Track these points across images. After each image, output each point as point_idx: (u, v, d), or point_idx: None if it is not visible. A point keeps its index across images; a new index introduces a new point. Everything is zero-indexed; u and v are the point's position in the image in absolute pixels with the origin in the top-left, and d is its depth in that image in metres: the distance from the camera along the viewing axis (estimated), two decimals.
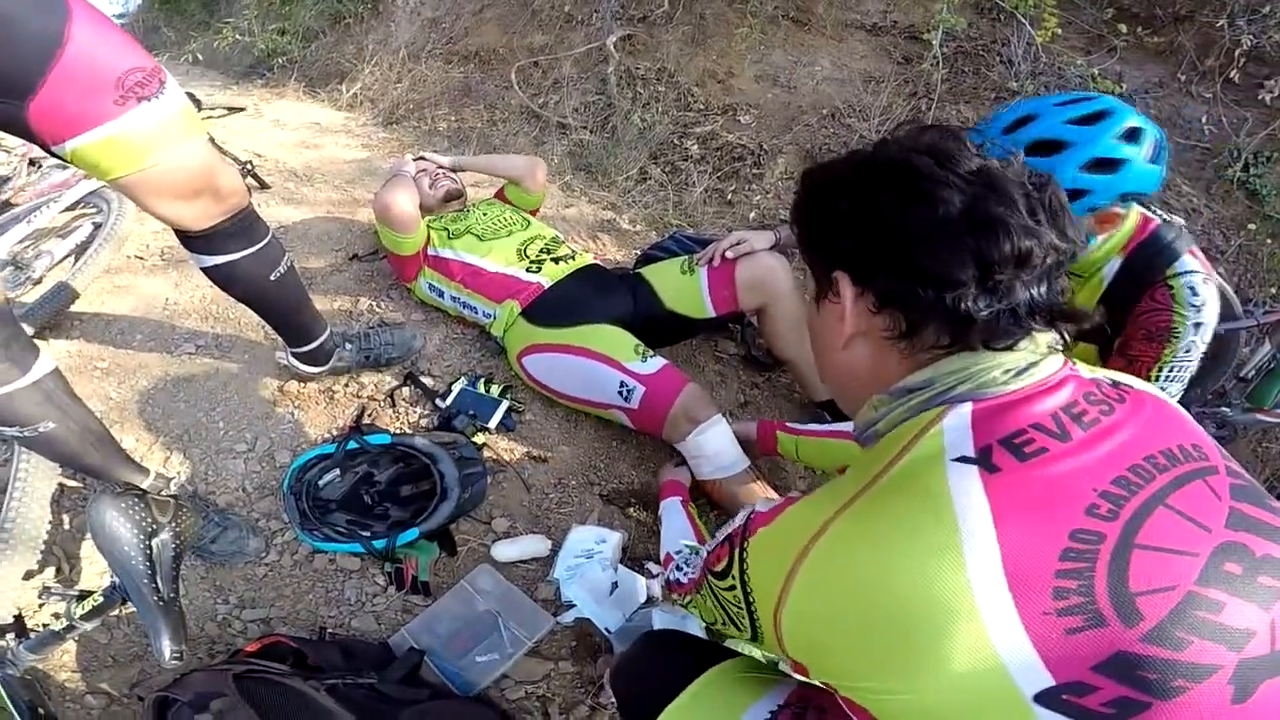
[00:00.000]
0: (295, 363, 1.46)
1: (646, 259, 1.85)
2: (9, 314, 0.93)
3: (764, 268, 1.50)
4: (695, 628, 1.04)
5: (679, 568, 0.74)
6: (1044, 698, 0.42)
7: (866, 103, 2.82)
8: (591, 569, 1.14)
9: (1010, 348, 0.52)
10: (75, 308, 1.74)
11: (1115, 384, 0.55)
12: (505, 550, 1.24)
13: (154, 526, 0.97)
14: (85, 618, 0.98)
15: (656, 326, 1.55)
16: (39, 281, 1.82)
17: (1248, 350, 1.65)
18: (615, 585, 1.13)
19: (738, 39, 3.16)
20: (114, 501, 0.94)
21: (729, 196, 2.58)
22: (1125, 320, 1.14)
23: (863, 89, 2.89)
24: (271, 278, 1.18)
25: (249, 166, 2.53)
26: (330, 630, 1.12)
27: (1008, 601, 0.42)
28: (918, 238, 0.52)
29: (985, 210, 0.51)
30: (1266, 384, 1.62)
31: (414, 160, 1.91)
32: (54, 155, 0.88)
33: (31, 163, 2.23)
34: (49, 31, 0.79)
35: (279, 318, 1.34)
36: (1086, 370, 0.56)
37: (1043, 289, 0.52)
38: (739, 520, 0.60)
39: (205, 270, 1.13)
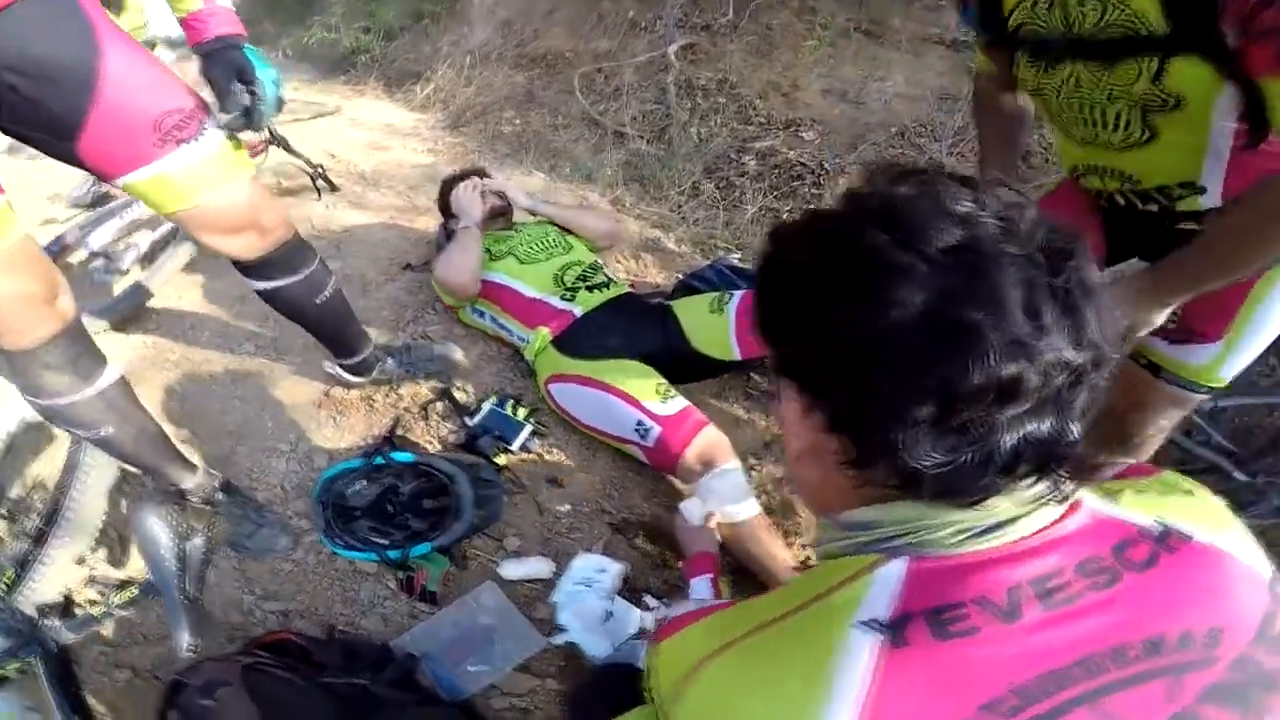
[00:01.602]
0: (340, 372, 1.55)
1: (685, 287, 1.84)
2: (80, 329, 1.00)
3: None
4: None
5: None
6: None
7: (940, 122, 2.68)
8: (588, 597, 1.16)
9: (974, 504, 0.41)
10: (154, 302, 1.88)
11: (1164, 537, 0.43)
12: (511, 569, 1.28)
13: (189, 532, 1.04)
14: (122, 606, 1.07)
15: (683, 364, 1.55)
16: (125, 273, 1.99)
17: None
18: (609, 615, 1.14)
19: (805, 51, 3.08)
20: (155, 509, 1.01)
21: (784, 217, 2.51)
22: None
23: (937, 107, 2.76)
24: (316, 301, 1.26)
25: (320, 169, 2.65)
26: (339, 628, 1.18)
27: None
28: (870, 350, 0.39)
29: (954, 315, 0.37)
30: None
31: (473, 179, 1.90)
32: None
33: None
34: (84, 72, 0.84)
35: (324, 335, 1.42)
36: (1127, 516, 0.43)
37: (1042, 425, 0.39)
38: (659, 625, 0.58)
39: (255, 291, 1.20)
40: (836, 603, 0.42)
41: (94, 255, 2.00)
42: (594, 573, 1.21)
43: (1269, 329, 0.96)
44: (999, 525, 0.41)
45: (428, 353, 1.65)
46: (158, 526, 1.03)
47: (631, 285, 1.94)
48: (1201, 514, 0.46)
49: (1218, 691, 0.39)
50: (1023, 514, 0.42)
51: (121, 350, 1.72)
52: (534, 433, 1.52)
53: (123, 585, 1.10)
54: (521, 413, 1.55)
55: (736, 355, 1.52)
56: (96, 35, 0.86)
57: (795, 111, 2.91)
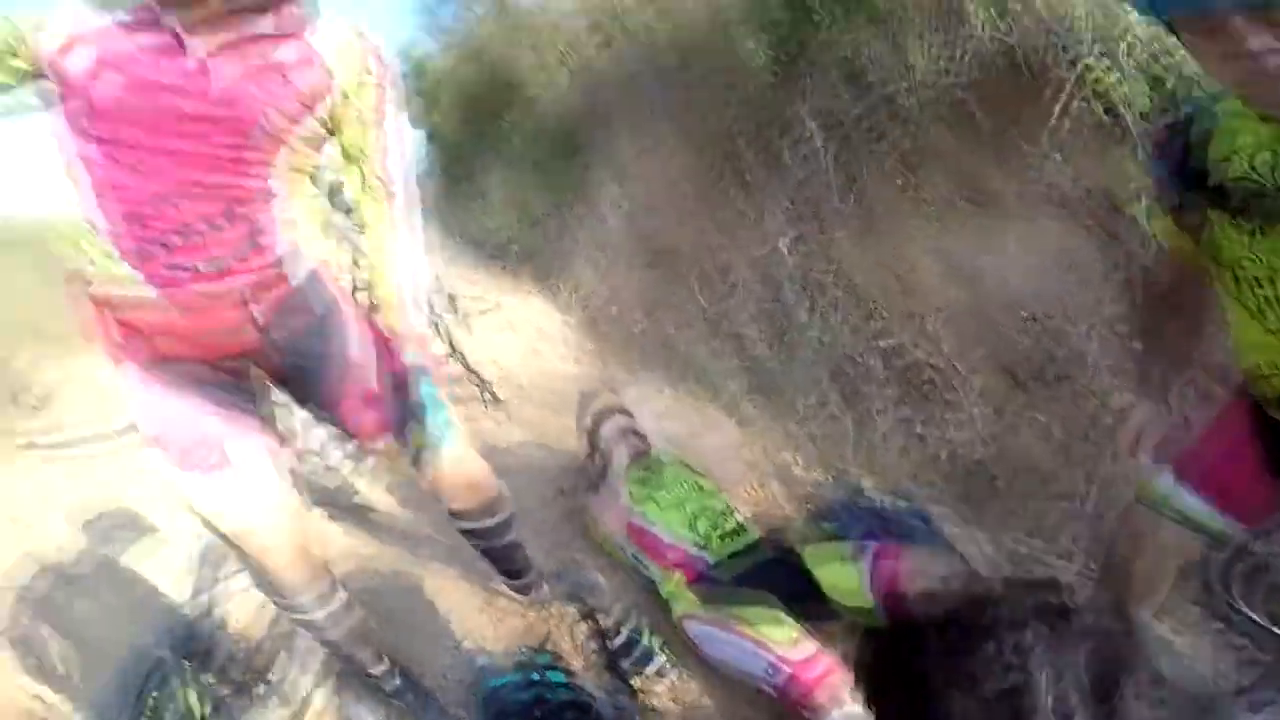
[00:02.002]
0: (505, 589, 1.86)
1: (814, 526, 1.93)
2: (326, 568, 1.36)
3: (935, 571, 1.49)
4: None
5: None
6: None
7: (1069, 297, 2.58)
8: None
9: None
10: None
11: None
12: None
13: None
14: None
15: (817, 607, 1.62)
16: (336, 470, 2.46)
17: None
18: None
19: (914, 229, 3.14)
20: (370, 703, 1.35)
21: (918, 428, 2.51)
22: None
23: (1061, 278, 2.66)
24: (503, 542, 1.63)
25: (488, 386, 3.14)
26: None
27: None
28: None
29: None
30: None
31: (615, 417, 2.25)
32: None
33: None
34: (339, 362, 1.25)
35: (498, 563, 1.74)
36: None
37: None
38: None
39: (457, 528, 1.58)
40: None
41: (309, 452, 2.47)
42: None
43: None
44: None
45: (576, 577, 1.92)
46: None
47: (758, 525, 2.03)
48: None
49: None
50: None
51: (329, 537, 2.15)
52: (667, 661, 1.69)
53: None
54: (657, 642, 1.72)
55: (870, 604, 1.55)
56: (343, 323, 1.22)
57: (914, 301, 2.94)
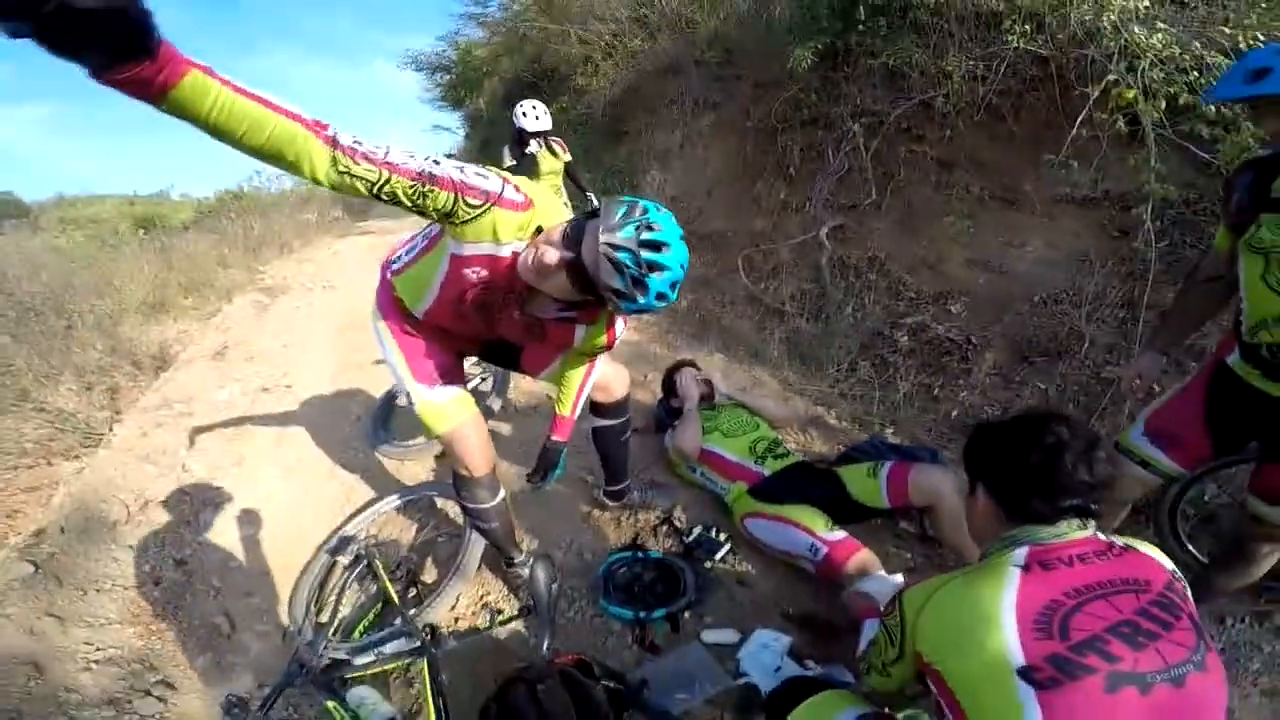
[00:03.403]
0: (604, 497, 2.35)
1: (846, 457, 2.34)
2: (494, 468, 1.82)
3: (934, 479, 1.94)
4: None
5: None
6: (1020, 671, 0.94)
7: (1079, 286, 2.92)
8: (765, 655, 1.72)
9: (1050, 524, 1.06)
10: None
11: (1124, 547, 1.04)
12: (710, 635, 1.86)
13: (555, 577, 1.78)
14: (503, 624, 1.85)
15: (845, 510, 2.04)
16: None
17: None
18: (779, 669, 1.66)
19: (946, 224, 3.48)
20: (546, 564, 1.74)
21: (935, 392, 2.87)
22: None
23: (1076, 270, 2.99)
24: (621, 439, 2.14)
25: None
26: (599, 658, 1.77)
27: (1013, 621, 0.97)
28: (1023, 474, 1.08)
29: (1053, 466, 1.05)
30: None
31: (688, 369, 2.67)
32: None
33: None
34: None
35: (610, 463, 2.23)
36: (1110, 540, 1.06)
37: (1076, 502, 1.05)
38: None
39: (592, 428, 2.11)
40: (1000, 561, 1.06)
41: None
42: (771, 641, 1.77)
43: None
44: (1060, 535, 1.04)
45: (657, 492, 2.43)
46: (545, 573, 1.77)
47: (802, 455, 2.47)
48: (1150, 548, 1.08)
49: (1154, 603, 0.98)
50: (1070, 532, 1.04)
51: None
52: (730, 550, 2.12)
53: (497, 613, 1.91)
54: (723, 536, 2.16)
55: (886, 505, 2.00)
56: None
57: (942, 285, 3.31)
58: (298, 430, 3.05)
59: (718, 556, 2.11)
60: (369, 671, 1.80)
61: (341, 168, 1.07)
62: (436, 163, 1.19)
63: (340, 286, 5.39)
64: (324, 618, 2.00)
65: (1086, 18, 3.17)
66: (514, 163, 3.86)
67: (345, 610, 2.07)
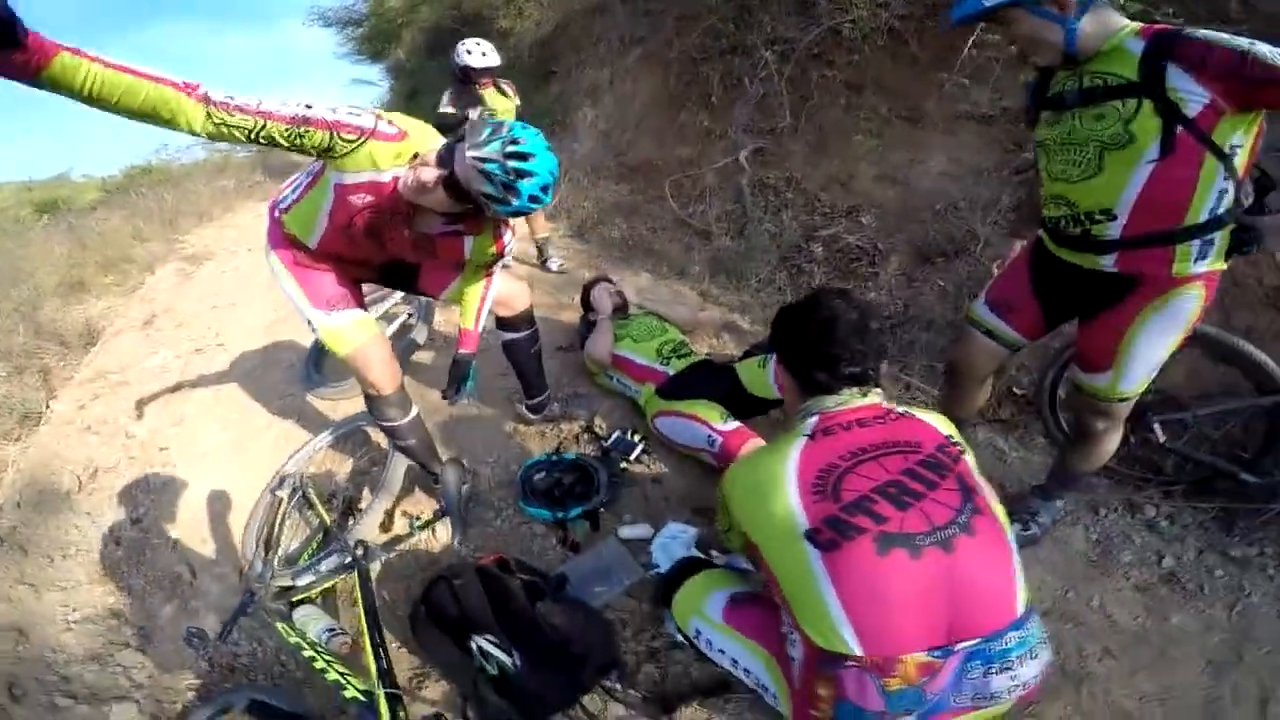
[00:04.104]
0: (525, 411, 2.45)
1: (746, 354, 2.50)
2: (404, 386, 1.90)
3: None
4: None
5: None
6: (806, 534, 1.03)
7: (976, 194, 3.12)
8: (674, 546, 1.86)
9: (834, 393, 1.18)
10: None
11: (902, 412, 1.17)
12: (626, 531, 2.01)
13: (466, 479, 1.95)
14: (421, 528, 1.99)
15: (742, 403, 2.19)
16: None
17: None
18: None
19: (856, 143, 3.62)
20: (455, 467, 1.90)
21: None
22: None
23: (975, 181, 3.18)
24: (531, 351, 2.23)
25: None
26: (522, 559, 1.91)
27: (795, 486, 1.07)
28: (806, 346, 1.20)
29: (830, 336, 1.17)
30: None
31: (603, 284, 2.78)
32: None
33: None
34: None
35: (525, 377, 2.33)
36: (890, 406, 1.19)
37: (856, 370, 1.17)
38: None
39: (502, 342, 2.21)
40: (794, 431, 1.19)
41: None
42: (679, 532, 1.91)
43: (1143, 359, 1.44)
44: (843, 403, 1.17)
45: (576, 402, 2.57)
46: (454, 474, 1.94)
47: (709, 356, 2.62)
48: (928, 414, 1.20)
49: (923, 463, 1.10)
50: (852, 399, 1.18)
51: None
52: (644, 450, 2.26)
53: (417, 518, 2.03)
54: (637, 438, 2.29)
55: (776, 394, 2.15)
56: None
57: (854, 199, 3.47)
58: (234, 385, 3.05)
59: (632, 456, 2.24)
60: (313, 591, 1.90)
61: (216, 120, 1.20)
62: (309, 107, 1.32)
63: None
64: (273, 551, 2.09)
65: None
66: (453, 110, 3.50)
67: (293, 543, 2.17)
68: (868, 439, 1.12)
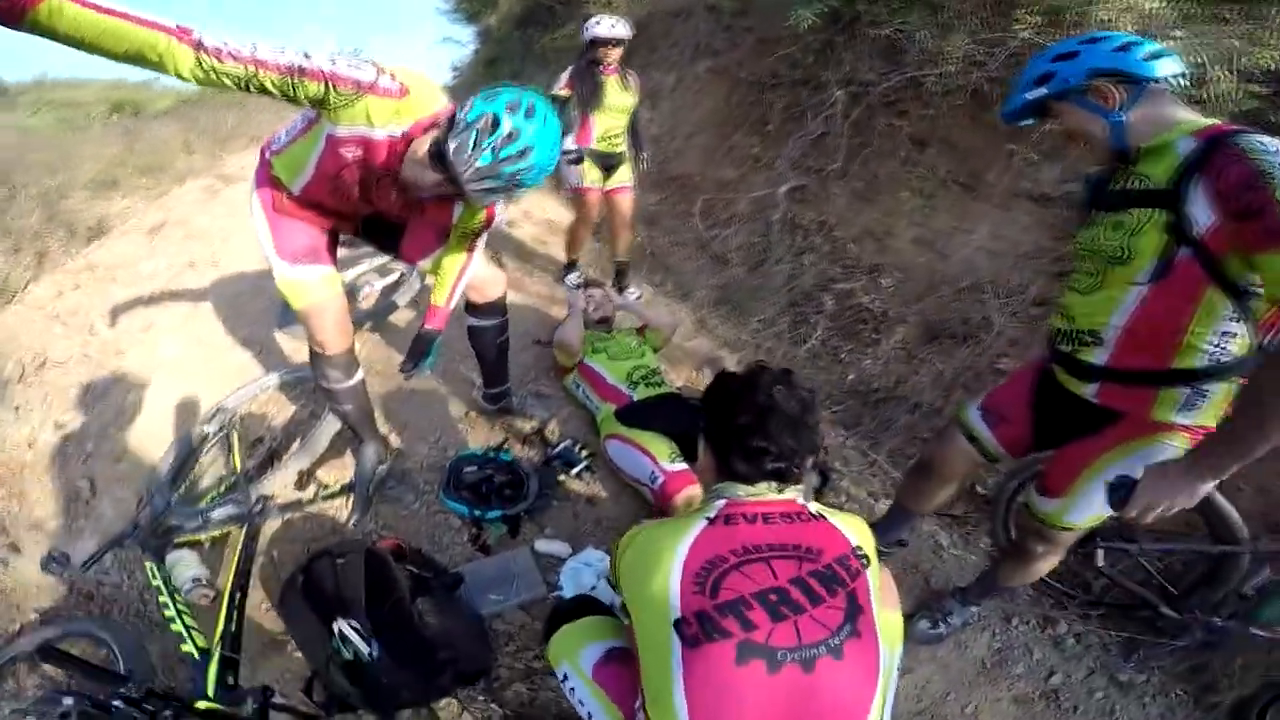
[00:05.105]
0: (482, 400, 2.38)
1: None
2: (352, 348, 1.84)
3: None
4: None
5: None
6: (675, 623, 0.95)
7: (1006, 278, 2.89)
8: (585, 573, 1.76)
9: (750, 484, 1.07)
10: (372, 328, 2.82)
11: (816, 514, 1.06)
12: (542, 545, 1.92)
13: (384, 460, 1.88)
14: (325, 499, 1.94)
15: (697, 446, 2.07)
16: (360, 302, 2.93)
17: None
18: (593, 589, 1.71)
19: (902, 200, 3.42)
20: (375, 445, 1.83)
21: (841, 356, 2.87)
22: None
23: (1011, 264, 2.96)
24: (497, 341, 2.14)
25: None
26: (425, 550, 1.84)
27: (679, 572, 0.98)
28: (731, 433, 1.08)
29: (761, 429, 1.05)
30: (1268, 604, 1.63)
31: (586, 290, 2.65)
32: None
33: None
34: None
35: (487, 366, 2.25)
36: (809, 506, 1.08)
37: (779, 467, 1.06)
38: None
39: (468, 326, 2.11)
40: (699, 511, 1.08)
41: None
42: (594, 560, 1.81)
43: (1098, 497, 1.26)
44: (757, 495, 1.05)
45: (535, 403, 2.48)
46: (373, 452, 1.86)
47: (679, 390, 2.48)
48: (844, 519, 1.09)
49: (816, 574, 0.99)
50: (770, 493, 1.06)
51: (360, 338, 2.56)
52: (588, 468, 2.16)
53: (325, 487, 1.97)
54: (584, 453, 2.19)
55: None
56: None
57: (883, 257, 3.26)
58: (210, 305, 3.02)
59: (574, 471, 2.14)
60: (199, 536, 1.83)
61: (206, 66, 1.17)
62: (308, 56, 1.28)
63: None
64: (177, 487, 2.02)
65: (1106, 17, 3.02)
66: (565, 93, 2.97)
67: (202, 481, 2.09)
68: (766, 537, 1.02)
